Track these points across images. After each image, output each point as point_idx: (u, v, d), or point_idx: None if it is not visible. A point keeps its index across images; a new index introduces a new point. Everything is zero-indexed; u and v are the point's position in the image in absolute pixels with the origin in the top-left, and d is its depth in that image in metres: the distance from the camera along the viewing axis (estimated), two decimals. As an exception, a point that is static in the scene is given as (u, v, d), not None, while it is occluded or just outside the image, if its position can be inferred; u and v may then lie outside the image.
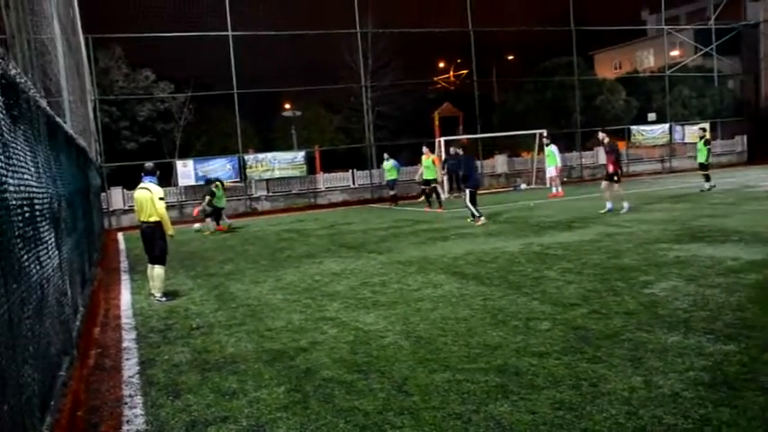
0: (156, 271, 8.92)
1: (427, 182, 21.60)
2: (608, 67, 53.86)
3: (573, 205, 18.22)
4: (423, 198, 22.48)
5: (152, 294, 9.01)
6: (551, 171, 23.77)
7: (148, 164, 9.31)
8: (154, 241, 8.93)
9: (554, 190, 23.02)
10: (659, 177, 31.17)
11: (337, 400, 4.51)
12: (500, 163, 32.37)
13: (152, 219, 8.80)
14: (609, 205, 15.54)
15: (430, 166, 21.50)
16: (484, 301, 7.25)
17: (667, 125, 35.30)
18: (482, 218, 15.18)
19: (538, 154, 29.73)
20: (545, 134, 26.95)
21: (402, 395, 4.52)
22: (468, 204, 15.43)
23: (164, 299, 8.81)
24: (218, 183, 19.06)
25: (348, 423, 4.10)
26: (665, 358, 4.83)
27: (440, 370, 4.99)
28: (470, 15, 31.05)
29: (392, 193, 25.10)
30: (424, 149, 21.80)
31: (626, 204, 15.34)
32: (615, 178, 15.57)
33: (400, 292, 8.16)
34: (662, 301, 6.60)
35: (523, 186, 29.15)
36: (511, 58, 46.50)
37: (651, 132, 34.81)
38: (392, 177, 24.73)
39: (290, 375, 5.17)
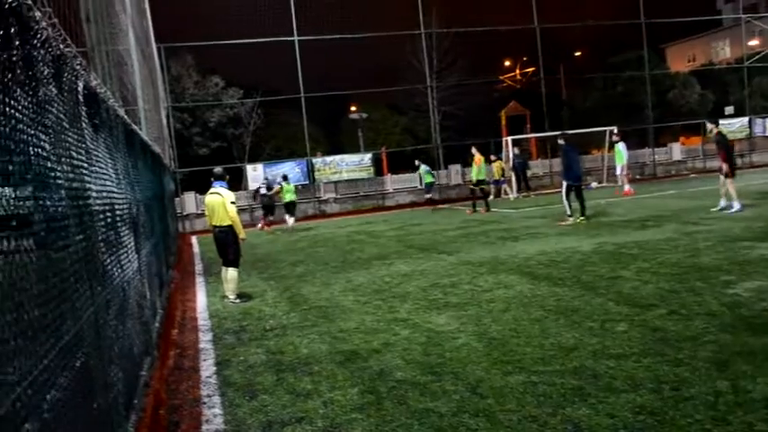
0: (230, 273, 9.09)
1: (478, 182, 21.21)
2: (681, 60, 52.22)
3: (646, 203, 17.70)
4: (476, 200, 21.47)
5: (226, 296, 9.18)
6: (618, 169, 23.12)
7: (218, 169, 9.52)
8: (227, 245, 9.09)
9: (625, 188, 22.34)
10: (739, 173, 29.94)
11: (411, 402, 4.50)
12: (569, 161, 31.70)
13: (224, 223, 8.97)
14: (723, 203, 14.18)
15: (481, 167, 21.25)
16: (557, 301, 7.10)
17: (746, 119, 33.91)
18: (570, 218, 14.49)
19: (608, 151, 29.00)
20: (615, 131, 26.27)
21: (476, 397, 4.46)
22: (564, 200, 14.79)
23: (237, 300, 8.97)
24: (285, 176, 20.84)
25: (423, 425, 4.08)
26: (753, 362, 4.61)
27: (514, 372, 4.91)
28: (536, 12, 30.55)
29: (428, 196, 25.18)
30: (473, 150, 21.47)
31: (735, 204, 13.79)
32: (724, 173, 13.97)
33: (471, 292, 8.08)
34: (746, 302, 6.31)
35: (594, 185, 28.48)
36: (579, 53, 45.53)
37: (729, 126, 33.47)
38: (429, 181, 24.98)
39: (364, 377, 5.18)
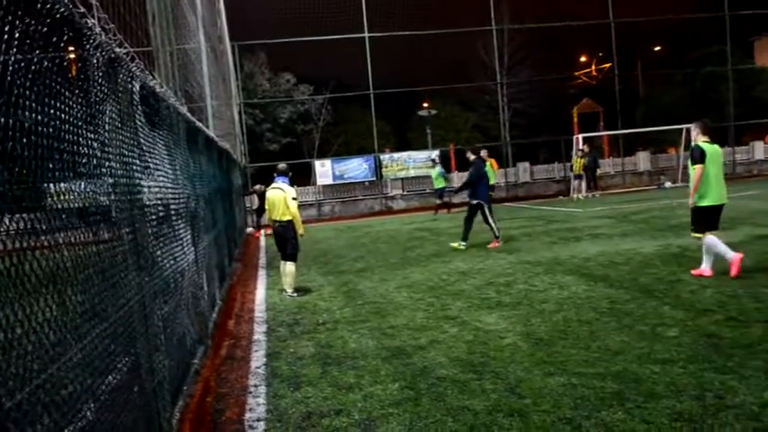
0: (288, 268, 9.26)
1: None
2: (771, 54, 49.79)
3: (721, 204, 17.07)
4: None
5: (284, 290, 9.38)
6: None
7: (281, 165, 9.66)
8: (286, 240, 9.24)
9: None
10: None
11: (449, 399, 4.54)
12: (642, 160, 30.90)
13: (285, 218, 9.11)
14: None
15: (488, 170, 18.69)
16: (611, 304, 6.99)
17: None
18: (497, 239, 12.96)
19: (685, 150, 28.07)
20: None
21: (514, 397, 4.47)
22: (489, 221, 13.05)
23: (294, 294, 9.15)
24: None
25: (457, 422, 4.12)
26: (807, 372, 4.46)
27: (556, 373, 4.89)
28: (611, 6, 29.80)
29: (439, 201, 23.36)
30: (482, 153, 19.41)
31: None
32: None
33: (525, 292, 8.03)
34: (811, 310, 6.08)
35: (668, 185, 27.64)
36: (658, 48, 44.10)
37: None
38: (440, 186, 23.09)
39: (406, 372, 5.25)
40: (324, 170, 26.86)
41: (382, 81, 29.11)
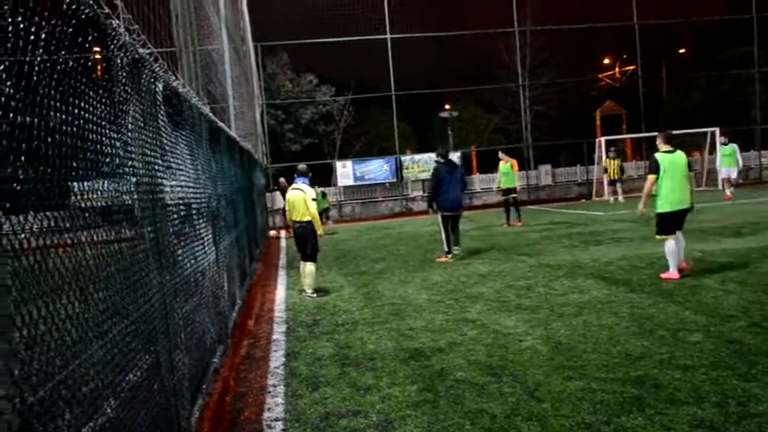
0: (308, 268, 9.28)
1: (507, 191, 17.90)
2: (800, 56, 48.97)
3: (745, 209, 16.80)
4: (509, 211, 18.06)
5: (303, 290, 9.40)
6: (735, 173, 21.53)
7: (302, 165, 9.69)
8: (306, 240, 9.25)
9: (728, 192, 21.00)
10: None
11: (467, 402, 4.53)
12: (666, 163, 30.52)
13: (305, 219, 9.13)
14: None
15: (509, 172, 17.89)
16: (631, 308, 6.93)
17: None
18: (449, 254, 11.83)
19: (710, 154, 27.70)
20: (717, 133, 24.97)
21: (533, 401, 4.45)
22: (441, 233, 12.09)
23: (314, 295, 9.17)
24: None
25: (474, 425, 4.11)
26: (832, 380, 4.39)
27: (575, 378, 4.85)
28: (635, 7, 29.52)
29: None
30: (501, 154, 18.35)
31: None
32: None
33: (545, 296, 7.99)
34: (836, 317, 5.98)
35: (692, 188, 27.25)
36: (683, 51, 43.60)
37: None
38: None
39: (424, 374, 5.25)
40: (345, 171, 26.90)
41: (404, 82, 29.08)
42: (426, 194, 13.42)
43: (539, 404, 4.38)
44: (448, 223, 11.92)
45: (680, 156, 8.55)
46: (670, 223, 8.45)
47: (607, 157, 23.94)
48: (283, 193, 19.90)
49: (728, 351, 5.22)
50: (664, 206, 8.45)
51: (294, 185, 9.35)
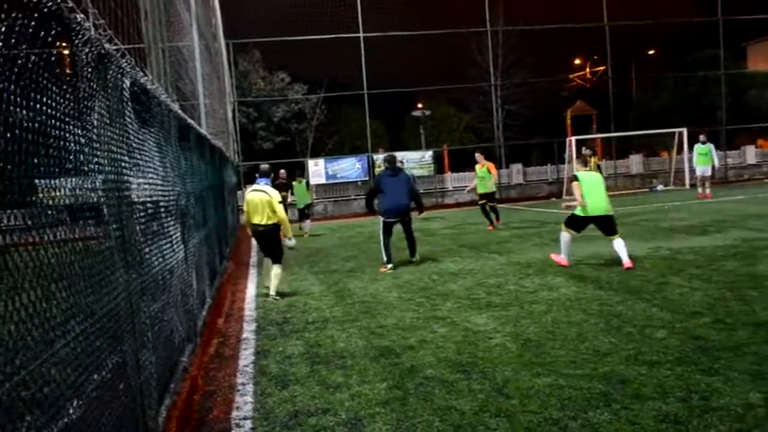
0: (275, 270, 8.94)
1: (483, 196, 16.55)
2: (763, 59, 49.84)
3: (712, 208, 17.10)
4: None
5: (268, 293, 8.97)
6: (709, 171, 21.14)
7: (264, 165, 9.34)
8: (274, 241, 8.96)
9: (708, 191, 20.84)
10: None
11: (436, 399, 4.55)
12: (635, 163, 31.01)
13: (270, 222, 8.75)
14: None
15: (484, 176, 16.58)
16: (600, 305, 7.01)
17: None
18: (389, 264, 10.88)
19: (678, 153, 28.14)
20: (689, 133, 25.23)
21: (501, 397, 4.48)
22: (380, 242, 11.34)
23: (278, 298, 8.80)
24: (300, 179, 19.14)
25: (443, 422, 4.13)
26: (793, 375, 4.48)
27: (543, 374, 4.90)
28: (606, 9, 29.87)
29: None
30: (477, 156, 17.21)
31: None
32: None
33: (515, 293, 8.05)
34: (798, 314, 6.11)
35: (660, 188, 27.69)
36: (652, 52, 44.23)
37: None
38: None
39: (394, 372, 5.25)
40: (317, 169, 26.84)
41: (377, 81, 29.11)
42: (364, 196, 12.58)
43: (507, 400, 4.41)
44: (390, 231, 11.21)
45: (596, 174, 10.41)
46: (579, 224, 9.84)
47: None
48: (282, 189, 19.09)
49: (693, 347, 5.31)
50: (580, 211, 9.71)
51: (256, 186, 8.93)
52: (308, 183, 19.51)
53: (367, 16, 27.51)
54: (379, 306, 7.95)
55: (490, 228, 16.11)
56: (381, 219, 11.26)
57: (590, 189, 9.59)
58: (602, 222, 9.63)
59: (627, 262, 9.15)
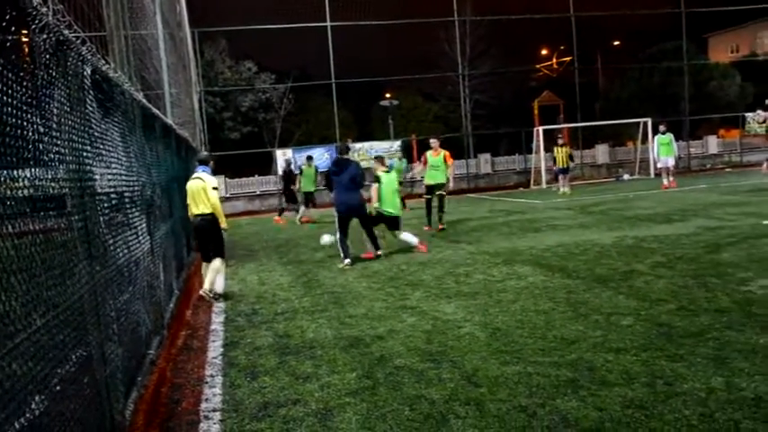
0: (216, 264, 8.36)
1: (432, 188, 14.30)
2: (724, 51, 50.78)
3: (675, 197, 17.41)
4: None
5: (211, 292, 8.31)
6: (671, 161, 20.87)
7: (203, 153, 9.04)
8: (209, 236, 8.42)
9: (671, 179, 20.94)
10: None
11: (406, 388, 4.55)
12: (601, 153, 31.38)
13: (206, 211, 8.24)
14: None
15: (439, 165, 14.10)
16: (567, 294, 7.08)
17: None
18: (347, 260, 10.32)
19: (642, 143, 28.54)
20: (650, 123, 25.60)
21: (471, 386, 4.50)
22: (336, 236, 10.81)
23: (218, 298, 8.29)
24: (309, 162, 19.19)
25: (413, 411, 4.13)
26: (753, 360, 4.56)
27: (512, 362, 4.93)
28: (572, 0, 30.11)
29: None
30: (433, 141, 14.68)
31: None
32: None
33: (484, 282, 8.09)
34: (759, 300, 6.23)
35: (626, 177, 28.07)
36: (617, 43, 44.67)
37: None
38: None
39: (364, 362, 5.25)
40: (285, 159, 26.65)
41: (345, 71, 29.05)
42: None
43: (476, 389, 4.43)
44: (345, 226, 10.62)
45: (393, 176, 11.63)
46: (380, 220, 11.21)
47: (556, 144, 22.74)
48: (287, 179, 18.90)
49: (658, 333, 5.39)
50: (382, 208, 11.12)
51: (194, 174, 8.48)
52: (317, 168, 19.54)
53: (334, 5, 27.36)
54: (348, 296, 7.93)
55: (427, 228, 14.16)
56: (337, 212, 10.78)
57: (392, 190, 10.99)
58: (391, 221, 11.20)
59: (419, 245, 11.02)
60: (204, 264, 8.56)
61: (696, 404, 3.87)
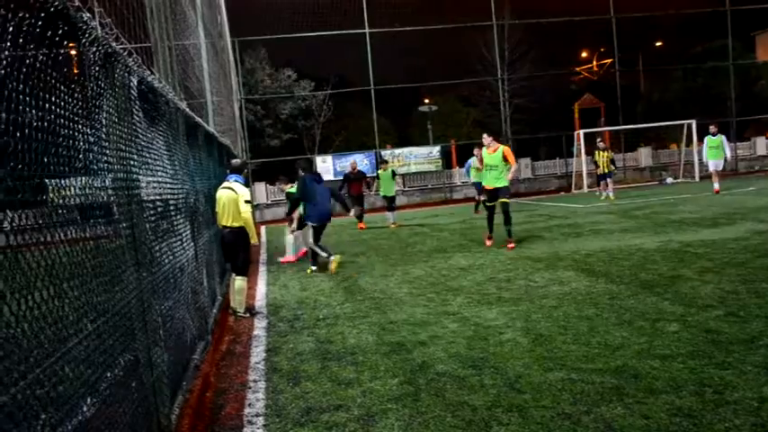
0: (238, 284, 8.00)
1: (495, 192, 12.04)
2: (774, 49, 49.39)
3: (722, 200, 17.01)
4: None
5: (235, 311, 8.06)
6: (721, 165, 19.87)
7: (236, 161, 8.76)
8: (237, 249, 8.06)
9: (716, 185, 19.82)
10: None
11: (448, 395, 4.54)
12: (644, 156, 30.86)
13: (236, 224, 7.88)
14: None
15: (498, 164, 11.86)
16: (611, 299, 6.98)
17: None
18: (331, 257, 10.83)
19: (687, 146, 27.97)
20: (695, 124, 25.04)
21: (513, 392, 4.47)
22: (314, 247, 11.18)
23: (247, 314, 7.96)
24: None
25: (455, 417, 4.12)
26: (807, 368, 4.44)
27: (555, 369, 4.88)
28: (612, 1, 29.74)
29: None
30: (487, 139, 12.10)
31: None
32: None
33: (525, 288, 8.02)
34: (811, 305, 6.06)
35: (670, 180, 27.55)
36: (659, 44, 43.92)
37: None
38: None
39: (405, 368, 5.25)
40: (325, 166, 26.84)
41: (383, 77, 29.11)
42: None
43: (519, 395, 4.40)
44: (320, 235, 11.22)
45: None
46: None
47: (597, 149, 21.80)
48: (359, 180, 18.23)
49: (705, 340, 5.28)
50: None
51: (225, 183, 8.10)
52: (394, 171, 19.00)
53: (372, 12, 27.50)
54: (389, 302, 7.95)
55: (489, 242, 12.49)
56: (311, 224, 11.08)
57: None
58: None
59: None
60: (232, 275, 8.22)
61: (748, 414, 3.78)
